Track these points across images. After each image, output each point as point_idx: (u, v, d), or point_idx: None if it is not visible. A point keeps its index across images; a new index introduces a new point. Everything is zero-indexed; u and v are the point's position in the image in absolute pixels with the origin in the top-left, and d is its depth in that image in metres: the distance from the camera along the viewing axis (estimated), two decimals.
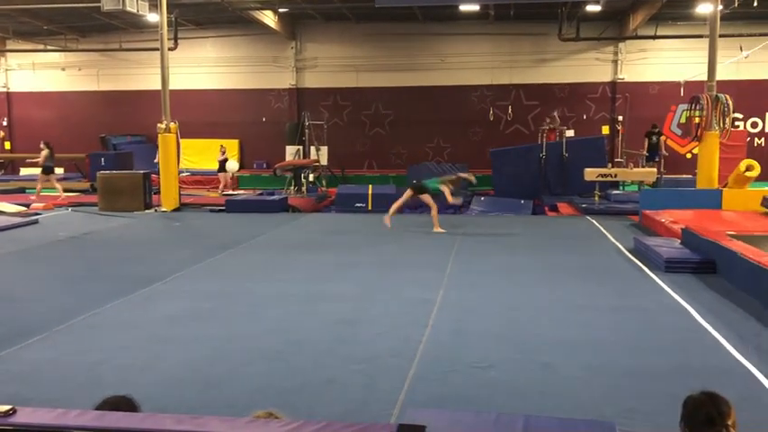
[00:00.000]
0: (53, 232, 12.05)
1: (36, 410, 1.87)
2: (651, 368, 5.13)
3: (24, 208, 15.09)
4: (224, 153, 20.15)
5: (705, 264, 8.45)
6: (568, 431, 3.57)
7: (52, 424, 1.80)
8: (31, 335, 6.00)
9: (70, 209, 15.79)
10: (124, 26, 22.03)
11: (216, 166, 20.29)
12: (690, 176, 17.34)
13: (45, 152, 17.14)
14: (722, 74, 15.35)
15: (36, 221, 13.21)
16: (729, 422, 2.35)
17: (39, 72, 24.34)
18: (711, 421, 2.35)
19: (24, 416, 1.81)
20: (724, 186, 13.99)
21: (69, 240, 11.38)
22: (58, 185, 17.40)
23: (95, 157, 19.81)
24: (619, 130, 21.32)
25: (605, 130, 21.59)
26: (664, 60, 21.09)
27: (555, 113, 19.39)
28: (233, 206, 15.34)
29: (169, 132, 15.56)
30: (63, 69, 24.28)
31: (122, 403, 2.41)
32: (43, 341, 5.89)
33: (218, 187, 20.26)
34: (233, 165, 20.14)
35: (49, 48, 22.79)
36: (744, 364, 5.18)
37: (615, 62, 21.83)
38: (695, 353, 5.50)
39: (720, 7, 14.25)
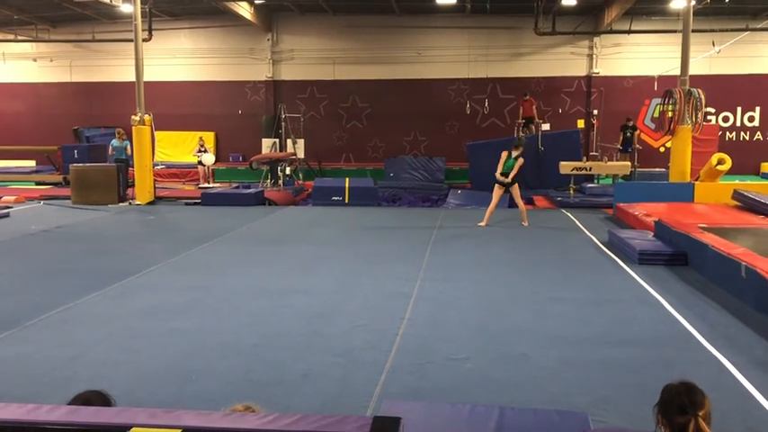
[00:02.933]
0: (25, 226, 11.87)
1: (7, 405, 1.85)
2: (624, 359, 5.20)
3: None
4: (202, 145, 20.01)
5: (677, 256, 8.59)
6: (542, 422, 3.61)
7: (24, 419, 1.77)
8: (3, 330, 5.91)
9: (43, 202, 15.57)
10: (97, 16, 21.72)
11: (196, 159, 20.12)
12: (663, 170, 17.57)
13: None
14: (695, 69, 15.57)
15: (7, 215, 13.00)
16: (701, 413, 2.38)
17: (9, 63, 23.89)
18: (683, 410, 2.38)
19: None
20: (696, 180, 14.20)
21: (41, 234, 11.21)
22: None
23: (68, 149, 19.52)
24: (594, 124, 21.52)
25: (580, 123, 21.78)
26: (638, 55, 21.32)
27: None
28: (209, 199, 15.22)
29: (143, 125, 15.40)
30: (34, 60, 23.88)
31: (95, 398, 2.39)
32: (15, 336, 5.80)
33: (195, 180, 20.15)
34: (209, 157, 19.99)
35: (19, 38, 22.39)
36: (714, 355, 5.27)
37: (590, 56, 22.01)
38: (667, 344, 5.59)
39: (693, 2, 14.43)
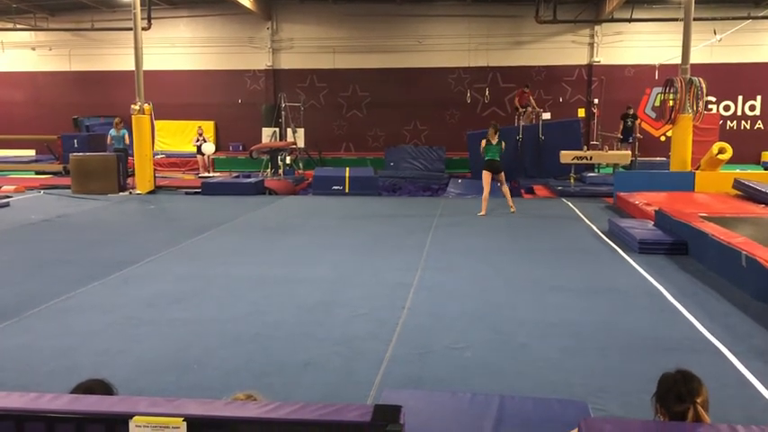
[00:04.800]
0: (25, 215, 11.88)
1: (9, 394, 1.85)
2: (623, 348, 5.22)
3: None
4: (201, 135, 19.98)
5: (677, 245, 8.59)
6: (542, 410, 3.63)
7: (26, 408, 1.78)
8: (4, 319, 5.92)
9: (43, 191, 15.56)
10: (96, 5, 21.62)
11: (194, 149, 20.08)
12: (663, 159, 17.54)
13: None
14: (696, 57, 15.50)
15: (7, 204, 13.00)
16: (699, 400, 2.40)
17: (8, 52, 23.81)
18: (681, 398, 2.40)
19: None
20: (697, 169, 14.18)
21: (42, 223, 11.22)
22: None
23: (68, 138, 19.49)
24: (594, 113, 21.47)
25: (581, 112, 21.72)
26: (639, 43, 21.24)
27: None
28: (209, 189, 15.21)
29: (143, 114, 15.36)
30: (33, 49, 23.79)
31: (97, 387, 2.40)
32: (16, 326, 5.82)
33: (195, 169, 20.15)
34: (209, 146, 19.96)
35: (18, 26, 22.29)
36: (714, 343, 5.29)
37: (591, 45, 21.92)
38: (666, 332, 5.60)
39: None
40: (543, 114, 19.09)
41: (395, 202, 14.58)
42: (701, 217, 9.23)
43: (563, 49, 21.92)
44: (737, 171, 14.24)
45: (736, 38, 19.17)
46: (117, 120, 17.37)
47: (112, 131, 17.16)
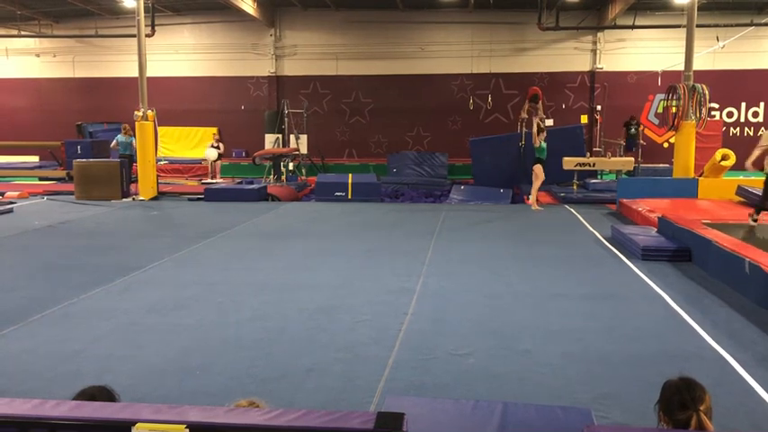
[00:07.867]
0: (28, 221, 11.90)
1: (12, 401, 1.86)
2: (626, 355, 5.20)
3: None
4: (217, 140, 20.01)
5: (681, 252, 8.58)
6: (545, 417, 3.62)
7: (29, 414, 1.78)
8: (7, 325, 5.93)
9: (46, 197, 15.60)
10: (100, 12, 21.71)
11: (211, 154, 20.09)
12: (666, 165, 17.53)
13: None
14: (699, 64, 15.52)
15: (11, 210, 13.03)
16: (702, 407, 2.39)
17: (12, 58, 23.91)
18: (684, 406, 2.39)
19: (1, 406, 1.80)
20: (700, 175, 14.17)
21: (45, 229, 11.24)
22: None
23: (71, 145, 19.55)
24: (597, 120, 21.48)
25: (584, 119, 21.73)
26: (642, 50, 21.26)
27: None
28: (211, 195, 15.23)
29: (146, 120, 15.41)
30: (37, 56, 23.89)
31: (100, 393, 2.40)
32: (19, 331, 5.83)
33: (198, 176, 20.19)
34: (211, 152, 19.97)
35: (22, 33, 22.39)
36: (717, 350, 5.28)
37: (594, 51, 21.95)
38: (670, 339, 5.59)
39: None
40: (546, 121, 19.07)
41: (397, 208, 14.58)
42: (705, 224, 9.22)
43: (566, 56, 21.94)
44: (741, 178, 14.22)
45: (739, 44, 19.18)
46: (126, 125, 17.41)
47: (120, 136, 17.21)
